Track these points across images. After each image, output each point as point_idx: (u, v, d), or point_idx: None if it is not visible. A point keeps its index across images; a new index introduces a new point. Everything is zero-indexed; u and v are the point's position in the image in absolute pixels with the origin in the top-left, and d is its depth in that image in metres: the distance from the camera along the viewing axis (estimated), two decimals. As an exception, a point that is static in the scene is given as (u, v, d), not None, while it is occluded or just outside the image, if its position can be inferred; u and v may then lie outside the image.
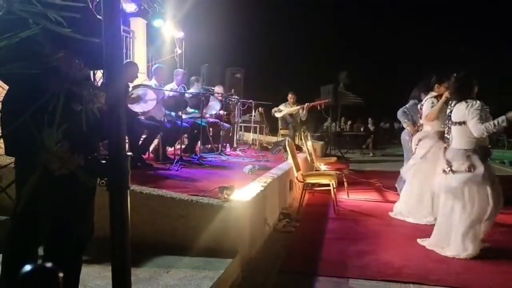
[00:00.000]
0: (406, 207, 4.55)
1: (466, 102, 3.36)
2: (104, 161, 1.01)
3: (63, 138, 1.16)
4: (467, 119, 3.31)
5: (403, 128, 5.66)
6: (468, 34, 20.06)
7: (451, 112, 3.51)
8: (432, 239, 3.51)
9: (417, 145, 4.46)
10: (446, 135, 3.71)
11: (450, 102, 3.62)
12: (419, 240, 3.63)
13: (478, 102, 3.33)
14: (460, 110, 3.38)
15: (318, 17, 19.20)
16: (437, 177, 3.57)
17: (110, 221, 1.00)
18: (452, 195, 3.38)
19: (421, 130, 4.76)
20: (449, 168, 3.36)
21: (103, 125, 1.06)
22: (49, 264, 0.67)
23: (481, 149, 3.35)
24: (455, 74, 3.54)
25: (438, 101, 4.39)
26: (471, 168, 3.27)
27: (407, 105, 5.41)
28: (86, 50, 1.15)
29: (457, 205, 3.34)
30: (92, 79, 1.63)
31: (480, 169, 3.26)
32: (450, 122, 3.52)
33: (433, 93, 4.56)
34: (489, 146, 3.49)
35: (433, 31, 20.33)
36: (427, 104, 4.52)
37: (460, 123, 3.38)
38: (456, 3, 19.63)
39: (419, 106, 4.81)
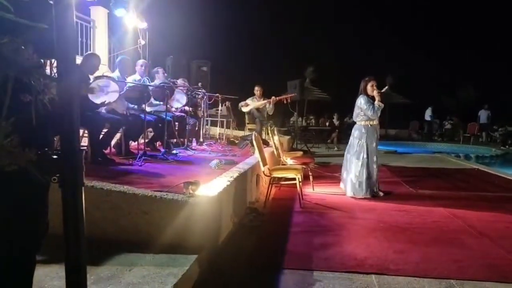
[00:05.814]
0: None
1: None
2: (56, 157, 0.95)
3: (12, 131, 1.08)
4: None
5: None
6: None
7: None
8: None
9: None
10: None
11: None
12: None
13: None
14: None
15: (286, 12, 19.32)
16: None
17: (63, 219, 0.94)
18: None
19: None
20: None
21: (56, 118, 0.99)
22: None
23: None
24: None
25: None
26: None
27: (362, 100, 5.45)
28: (35, 36, 1.07)
29: None
30: (49, 69, 1.52)
31: None
32: None
33: None
34: None
35: (401, 29, 21.01)
36: None
37: None
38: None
39: None
